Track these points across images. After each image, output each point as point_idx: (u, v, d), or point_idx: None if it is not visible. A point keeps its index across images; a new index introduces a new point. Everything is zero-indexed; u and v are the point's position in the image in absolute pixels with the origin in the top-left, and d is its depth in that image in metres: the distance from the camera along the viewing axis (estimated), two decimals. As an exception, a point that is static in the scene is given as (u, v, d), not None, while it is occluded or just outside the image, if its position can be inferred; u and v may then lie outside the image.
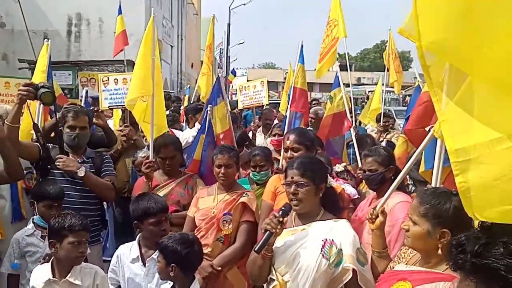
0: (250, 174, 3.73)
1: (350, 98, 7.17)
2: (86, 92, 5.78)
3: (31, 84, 3.26)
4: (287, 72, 8.54)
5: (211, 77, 7.31)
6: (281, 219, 2.20)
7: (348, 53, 6.59)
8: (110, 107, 5.46)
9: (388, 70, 8.31)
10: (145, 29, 3.75)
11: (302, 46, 5.01)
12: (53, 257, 2.54)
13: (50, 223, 2.58)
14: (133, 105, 3.88)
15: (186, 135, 5.17)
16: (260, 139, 6.47)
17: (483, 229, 0.96)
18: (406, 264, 2.02)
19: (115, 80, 5.65)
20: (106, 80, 5.58)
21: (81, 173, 3.30)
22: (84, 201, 3.43)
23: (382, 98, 7.85)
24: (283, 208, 2.29)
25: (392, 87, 9.21)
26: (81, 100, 8.08)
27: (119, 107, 5.29)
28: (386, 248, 2.39)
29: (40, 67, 4.56)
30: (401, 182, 2.89)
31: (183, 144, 4.29)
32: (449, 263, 0.98)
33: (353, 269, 2.17)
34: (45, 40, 4.75)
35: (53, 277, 2.48)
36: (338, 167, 3.89)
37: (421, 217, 1.88)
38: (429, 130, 2.27)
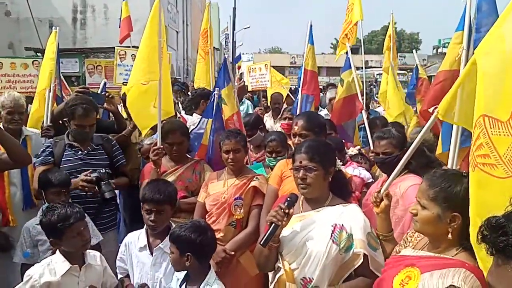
0: (266, 160, 3.66)
1: (362, 81, 7.04)
2: (105, 83, 5.59)
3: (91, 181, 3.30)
4: (293, 57, 8.39)
5: (208, 63, 7.19)
6: (287, 211, 2.16)
7: (362, 36, 6.46)
8: (124, 83, 5.37)
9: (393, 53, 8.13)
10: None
11: (311, 26, 4.88)
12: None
13: (42, 222, 2.53)
14: (128, 89, 3.79)
15: (195, 119, 5.10)
16: (270, 123, 6.39)
17: None
18: (413, 248, 1.96)
19: (133, 55, 5.53)
20: (123, 54, 5.46)
21: None
22: None
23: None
24: (288, 199, 2.23)
25: (402, 70, 9.07)
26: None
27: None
28: (391, 232, 2.35)
29: (49, 55, 4.52)
30: (415, 164, 2.82)
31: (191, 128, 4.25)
32: (485, 247, 0.90)
33: (364, 254, 2.14)
34: (53, 28, 4.71)
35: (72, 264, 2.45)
36: (352, 151, 3.82)
37: (431, 200, 1.80)
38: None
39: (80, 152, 3.52)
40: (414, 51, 7.05)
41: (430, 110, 2.39)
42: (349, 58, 4.96)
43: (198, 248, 2.34)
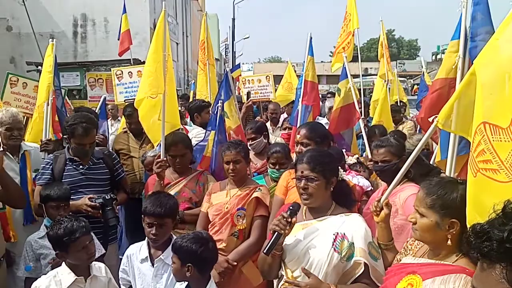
0: (268, 171, 3.68)
1: (360, 89, 7.09)
2: (104, 98, 5.65)
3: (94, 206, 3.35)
4: (293, 65, 8.43)
5: (208, 76, 7.25)
6: (289, 220, 2.19)
7: (354, 44, 6.52)
8: (126, 101, 5.44)
9: (386, 60, 8.21)
10: (150, 27, 3.74)
11: (311, 39, 4.95)
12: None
13: (49, 235, 2.59)
14: (140, 102, 3.85)
15: (194, 132, 5.15)
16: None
17: (507, 216, 0.93)
18: (413, 256, 1.98)
19: (130, 73, 5.63)
20: (120, 74, 5.55)
21: None
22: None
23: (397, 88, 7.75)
24: (291, 208, 2.27)
25: (402, 77, 9.18)
26: (89, 101, 8.13)
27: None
28: (392, 240, 2.36)
29: (46, 68, 4.49)
30: (414, 173, 2.86)
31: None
32: (471, 252, 0.95)
33: (365, 263, 2.16)
34: (50, 40, 4.67)
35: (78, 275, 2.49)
36: (351, 159, 3.84)
37: (428, 208, 1.84)
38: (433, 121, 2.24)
39: (81, 167, 3.54)
40: (422, 58, 7.21)
41: (430, 119, 2.43)
42: (345, 67, 5.02)
43: (199, 259, 2.37)
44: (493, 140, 1.65)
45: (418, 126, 5.58)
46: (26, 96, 5.25)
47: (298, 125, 4.50)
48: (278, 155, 3.57)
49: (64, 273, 2.50)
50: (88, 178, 3.53)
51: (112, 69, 6.00)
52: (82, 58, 16.07)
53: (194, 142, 4.53)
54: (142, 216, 2.79)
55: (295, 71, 8.36)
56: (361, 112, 5.11)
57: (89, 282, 2.53)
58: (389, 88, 7.90)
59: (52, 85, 4.40)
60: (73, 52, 16.89)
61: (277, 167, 3.57)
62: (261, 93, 7.36)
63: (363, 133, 4.70)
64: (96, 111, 5.39)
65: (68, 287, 2.46)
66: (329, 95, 9.76)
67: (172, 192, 3.48)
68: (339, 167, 2.49)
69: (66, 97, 7.03)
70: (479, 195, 1.64)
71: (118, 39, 8.79)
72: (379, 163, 2.97)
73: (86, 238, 2.52)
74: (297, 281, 2.16)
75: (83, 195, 3.40)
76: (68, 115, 4.73)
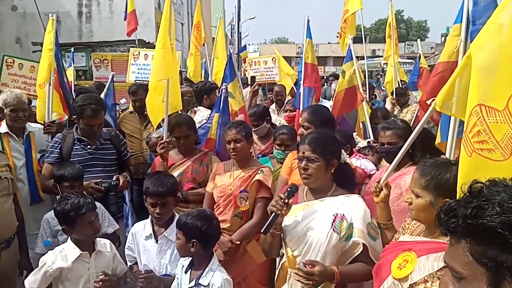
0: (274, 152, 3.73)
1: (365, 71, 7.05)
2: (113, 76, 5.66)
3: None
4: (299, 47, 8.37)
5: (199, 57, 7.25)
6: (286, 201, 2.25)
7: (362, 25, 6.45)
8: (136, 81, 5.49)
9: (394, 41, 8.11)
10: (155, 7, 3.75)
11: (308, 21, 4.94)
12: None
13: (56, 210, 2.66)
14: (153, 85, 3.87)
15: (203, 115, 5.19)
16: (273, 117, 6.43)
17: (473, 194, 0.98)
18: (410, 235, 2.04)
19: (145, 55, 5.70)
20: (137, 55, 5.65)
21: None
22: (107, 176, 3.57)
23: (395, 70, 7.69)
24: (288, 189, 2.33)
25: (411, 58, 9.10)
26: (95, 82, 8.15)
27: (145, 82, 5.26)
28: (391, 220, 2.41)
29: (47, 45, 4.37)
30: (420, 156, 2.88)
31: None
32: (440, 229, 1.01)
33: (364, 243, 2.21)
34: (50, 15, 4.54)
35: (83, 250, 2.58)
36: (362, 143, 3.85)
37: (423, 189, 1.89)
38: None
39: (89, 147, 3.60)
40: (418, 40, 7.08)
41: (428, 102, 2.46)
42: (350, 49, 5.01)
43: (203, 235, 2.44)
44: (489, 122, 1.72)
45: None
46: (23, 77, 5.29)
47: (301, 108, 4.53)
48: (284, 137, 3.64)
49: (70, 248, 2.59)
50: (95, 158, 3.59)
51: (131, 48, 6.07)
52: (87, 38, 16.01)
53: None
54: (144, 196, 2.86)
55: (302, 53, 8.31)
56: (366, 95, 5.11)
57: (93, 257, 2.62)
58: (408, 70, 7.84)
59: (54, 63, 4.34)
60: (78, 32, 16.81)
61: (282, 148, 3.64)
62: (267, 75, 7.33)
63: (366, 116, 4.72)
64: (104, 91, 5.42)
65: (74, 262, 2.55)
66: (331, 78, 9.68)
67: (176, 173, 3.55)
68: (343, 150, 2.54)
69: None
70: (475, 174, 1.70)
71: (125, 19, 8.74)
72: (385, 145, 3.01)
73: (92, 214, 2.60)
74: (309, 270, 2.17)
75: (91, 175, 3.47)
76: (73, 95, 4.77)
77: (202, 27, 7.43)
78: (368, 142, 4.00)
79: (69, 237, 2.65)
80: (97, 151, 3.63)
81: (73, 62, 7.97)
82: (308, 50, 4.85)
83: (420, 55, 6.24)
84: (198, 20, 7.50)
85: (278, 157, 3.66)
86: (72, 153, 3.58)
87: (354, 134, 3.87)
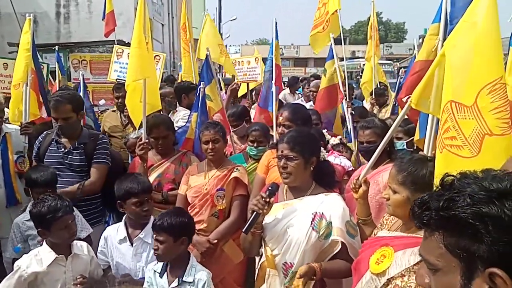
0: (247, 149, 3.74)
1: (344, 71, 7.11)
2: (83, 75, 5.54)
3: None
4: (280, 48, 8.41)
5: (191, 57, 7.22)
6: (267, 200, 2.25)
7: (342, 26, 6.50)
8: (117, 80, 5.40)
9: (375, 42, 8.21)
10: (135, 7, 3.70)
11: (276, 24, 5.04)
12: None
13: (32, 213, 2.59)
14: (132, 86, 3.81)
15: (180, 115, 5.15)
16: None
17: (444, 187, 0.99)
18: (388, 230, 2.06)
19: (129, 54, 5.59)
20: (121, 53, 5.53)
21: None
22: (74, 182, 3.41)
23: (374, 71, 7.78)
24: (269, 188, 2.33)
25: (389, 60, 9.17)
26: (73, 83, 8.01)
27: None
28: (370, 216, 2.45)
29: (24, 46, 4.22)
30: (394, 153, 2.93)
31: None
32: (414, 222, 1.02)
33: (342, 241, 2.23)
34: (27, 15, 4.39)
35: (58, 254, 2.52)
36: (334, 140, 3.89)
37: (400, 185, 1.92)
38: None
39: (62, 150, 3.46)
40: (414, 39, 7.17)
41: (404, 99, 2.50)
42: (332, 48, 5.06)
43: (191, 230, 2.47)
44: (458, 118, 1.74)
45: None
46: (9, 77, 5.13)
47: (274, 107, 4.61)
48: (256, 133, 3.64)
49: (45, 252, 2.52)
50: (64, 163, 3.44)
51: (114, 45, 5.93)
52: (66, 39, 15.74)
53: (181, 124, 4.55)
54: (120, 201, 2.78)
55: (282, 53, 8.34)
56: (345, 95, 5.16)
57: (70, 260, 2.56)
58: (398, 69, 7.92)
59: (32, 63, 4.22)
60: (56, 33, 16.53)
61: (255, 144, 3.64)
62: (249, 75, 7.33)
63: (347, 115, 4.77)
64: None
65: (49, 266, 2.48)
66: (312, 78, 9.74)
67: (155, 174, 3.51)
68: (321, 148, 2.55)
69: (50, 77, 6.93)
70: (445, 170, 1.73)
71: (103, 20, 8.63)
72: (365, 144, 3.04)
73: (69, 217, 2.53)
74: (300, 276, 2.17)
75: (59, 179, 3.26)
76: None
77: (188, 27, 7.38)
78: (340, 139, 4.05)
79: (44, 240, 2.58)
80: (67, 155, 3.45)
81: (61, 63, 7.82)
82: (276, 52, 4.95)
83: (415, 55, 6.26)
84: (184, 21, 7.47)
85: (251, 153, 3.67)
86: (47, 153, 3.48)
87: (324, 131, 3.90)
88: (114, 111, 5.17)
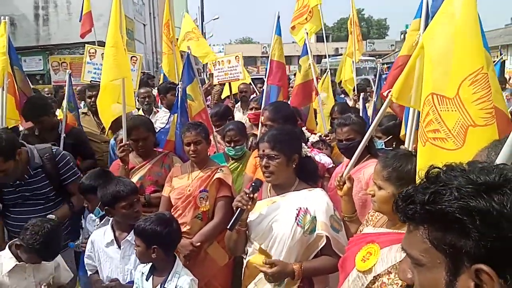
0: (225, 149, 3.69)
1: (327, 69, 7.12)
2: (70, 75, 5.08)
3: None
4: (264, 47, 8.34)
5: (173, 55, 7.14)
6: (251, 196, 2.24)
7: (324, 23, 6.51)
8: (92, 82, 5.23)
9: (357, 39, 8.23)
10: (114, 8, 3.62)
11: (278, 17, 4.90)
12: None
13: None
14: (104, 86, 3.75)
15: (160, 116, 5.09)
16: (239, 115, 6.40)
17: (430, 180, 0.96)
18: (373, 227, 2.05)
19: (103, 54, 5.42)
20: (93, 53, 5.30)
21: None
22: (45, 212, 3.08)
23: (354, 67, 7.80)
24: (253, 184, 2.32)
25: (372, 56, 9.20)
26: (53, 86, 7.88)
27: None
28: (355, 213, 2.45)
29: (0, 49, 4.01)
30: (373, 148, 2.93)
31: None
32: (398, 216, 0.99)
33: (327, 236, 2.22)
34: (2, 18, 4.19)
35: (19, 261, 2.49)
36: (314, 138, 3.87)
37: (385, 181, 1.91)
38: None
39: (17, 182, 3.06)
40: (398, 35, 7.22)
41: (385, 94, 2.49)
42: (306, 43, 5.03)
43: (164, 240, 2.36)
44: (441, 110, 1.73)
45: None
46: None
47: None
48: (231, 133, 3.57)
49: (6, 258, 2.48)
50: (24, 196, 3.08)
51: (86, 45, 5.74)
52: (45, 41, 15.47)
53: (160, 125, 4.48)
54: (108, 207, 2.69)
55: (267, 52, 8.31)
56: (333, 91, 5.14)
57: (32, 267, 2.52)
58: (356, 68, 7.95)
59: (9, 67, 4.07)
60: (35, 35, 16.20)
61: (232, 144, 3.57)
62: (230, 74, 7.28)
63: (320, 109, 4.77)
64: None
65: (10, 272, 2.46)
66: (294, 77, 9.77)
67: (137, 176, 3.45)
68: (303, 144, 2.53)
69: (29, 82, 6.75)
70: (428, 163, 1.72)
71: (80, 21, 8.50)
72: (344, 142, 3.02)
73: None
74: (265, 268, 2.18)
75: (25, 215, 2.95)
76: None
77: (171, 25, 7.29)
78: (320, 136, 4.03)
79: (7, 245, 2.54)
80: (25, 187, 3.06)
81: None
82: (275, 47, 4.80)
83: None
84: (168, 19, 7.38)
85: (230, 153, 3.62)
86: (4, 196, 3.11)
87: (304, 128, 3.87)
88: (85, 113, 5.03)
